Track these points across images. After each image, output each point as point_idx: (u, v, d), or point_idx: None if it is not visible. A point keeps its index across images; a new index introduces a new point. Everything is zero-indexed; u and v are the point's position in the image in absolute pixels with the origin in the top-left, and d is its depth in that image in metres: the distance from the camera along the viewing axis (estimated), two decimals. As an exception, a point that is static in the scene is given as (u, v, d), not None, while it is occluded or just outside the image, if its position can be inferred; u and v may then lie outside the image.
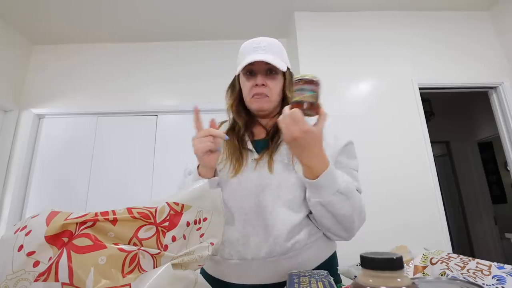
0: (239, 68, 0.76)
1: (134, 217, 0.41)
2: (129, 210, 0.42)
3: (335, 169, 0.65)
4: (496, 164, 3.76)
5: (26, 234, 0.40)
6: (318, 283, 0.47)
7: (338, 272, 0.69)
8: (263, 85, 0.76)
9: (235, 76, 0.85)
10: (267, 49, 0.77)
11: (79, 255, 0.36)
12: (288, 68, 0.80)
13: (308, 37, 2.40)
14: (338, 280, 0.74)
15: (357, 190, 0.72)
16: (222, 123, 0.88)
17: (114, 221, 0.40)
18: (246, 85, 0.78)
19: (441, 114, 3.73)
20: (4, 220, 2.29)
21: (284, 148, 0.75)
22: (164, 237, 0.42)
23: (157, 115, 2.61)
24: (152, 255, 0.40)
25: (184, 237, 0.44)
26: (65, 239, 0.38)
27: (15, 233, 0.41)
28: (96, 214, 0.40)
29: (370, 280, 0.27)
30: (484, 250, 3.75)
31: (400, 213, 2.00)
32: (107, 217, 0.40)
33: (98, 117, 2.58)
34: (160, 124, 2.58)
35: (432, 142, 2.18)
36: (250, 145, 0.78)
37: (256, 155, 0.76)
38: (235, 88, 0.84)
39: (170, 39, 2.74)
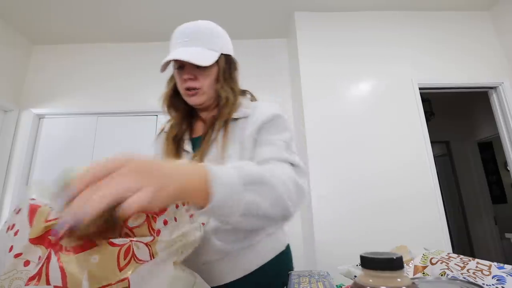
0: (164, 60, 0.70)
1: None
2: None
3: (219, 168, 0.42)
4: (496, 164, 3.76)
5: (15, 234, 0.39)
6: (318, 283, 0.47)
7: (339, 273, 0.69)
8: (191, 79, 0.70)
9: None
10: (192, 40, 0.69)
11: (70, 257, 0.35)
12: (223, 55, 0.73)
13: (308, 37, 2.40)
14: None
15: (288, 162, 0.59)
16: (162, 129, 0.83)
17: None
18: (177, 78, 0.73)
19: (441, 114, 3.74)
20: (4, 220, 2.29)
21: (216, 146, 0.68)
22: (156, 222, 0.41)
23: (157, 115, 2.61)
24: (145, 244, 0.39)
25: (175, 220, 0.44)
26: (52, 238, 0.37)
27: (6, 231, 0.41)
28: None
29: (370, 280, 0.27)
30: (484, 250, 3.75)
31: (400, 213, 2.00)
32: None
33: (98, 117, 2.58)
34: (160, 124, 2.58)
35: (432, 142, 2.18)
36: (187, 145, 0.73)
37: (191, 156, 0.71)
38: (172, 81, 0.79)
39: (169, 39, 2.74)
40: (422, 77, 2.32)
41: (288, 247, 0.79)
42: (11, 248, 0.38)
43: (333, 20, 2.45)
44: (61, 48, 2.75)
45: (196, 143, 0.73)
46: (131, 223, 0.39)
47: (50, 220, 0.38)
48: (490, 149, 3.83)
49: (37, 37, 2.67)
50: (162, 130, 0.83)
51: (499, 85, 2.34)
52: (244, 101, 0.76)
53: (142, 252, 0.38)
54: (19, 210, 0.41)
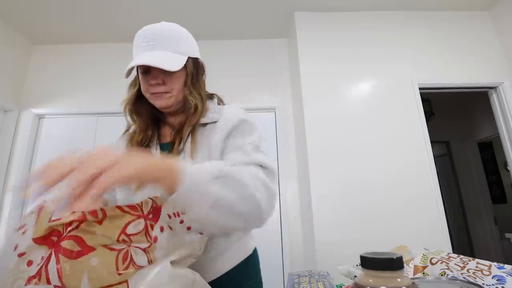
0: (129, 65, 0.66)
1: (123, 210, 0.40)
2: (118, 206, 0.41)
3: (194, 165, 0.47)
4: (496, 164, 3.76)
5: (23, 234, 0.40)
6: (318, 283, 0.47)
7: (339, 273, 0.69)
8: (158, 84, 0.67)
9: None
10: (157, 44, 0.65)
11: (70, 261, 0.35)
12: (191, 58, 0.71)
13: (308, 37, 2.40)
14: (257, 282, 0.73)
15: (258, 165, 0.59)
16: (127, 130, 0.77)
17: (101, 220, 0.39)
18: (142, 82, 0.69)
19: (441, 114, 3.74)
20: (4, 220, 2.29)
21: (187, 153, 0.65)
22: (153, 229, 0.41)
23: (157, 115, 2.61)
24: (143, 249, 0.39)
25: (171, 228, 0.44)
26: (54, 239, 0.37)
27: (17, 230, 0.41)
28: (83, 213, 0.39)
29: (370, 280, 0.27)
30: (484, 250, 3.75)
31: (400, 213, 1.99)
32: (95, 211, 0.39)
33: (98, 117, 2.58)
34: (160, 124, 2.58)
35: (432, 142, 2.18)
36: (154, 150, 0.70)
37: None
38: (135, 85, 0.73)
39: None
40: (422, 77, 2.32)
41: (255, 251, 0.78)
42: (16, 247, 0.38)
43: (333, 20, 2.45)
44: (61, 48, 2.75)
45: (164, 149, 0.71)
46: (129, 230, 0.39)
47: (53, 220, 0.39)
48: (490, 149, 3.82)
49: (37, 37, 2.67)
50: (127, 130, 0.77)
51: (499, 85, 2.34)
52: (211, 105, 0.74)
53: (140, 257, 0.38)
54: (31, 213, 0.42)
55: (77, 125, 2.56)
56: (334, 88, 2.28)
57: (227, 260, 0.68)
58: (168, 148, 0.70)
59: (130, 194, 0.64)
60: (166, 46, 0.66)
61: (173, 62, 0.65)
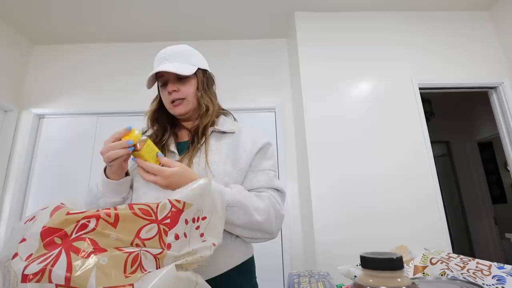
0: (149, 83, 0.82)
1: (135, 214, 0.41)
2: (130, 206, 0.42)
3: (219, 187, 0.67)
4: (496, 164, 3.76)
5: (32, 222, 0.40)
6: (318, 283, 0.47)
7: (339, 272, 0.69)
8: (175, 91, 0.80)
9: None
10: (171, 58, 0.80)
11: (82, 259, 0.36)
12: (201, 69, 0.85)
13: (308, 37, 2.40)
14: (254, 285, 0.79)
15: (275, 189, 0.78)
16: (143, 132, 0.89)
17: (115, 223, 0.40)
18: (163, 94, 0.84)
19: (441, 114, 3.73)
20: (4, 220, 2.29)
21: (203, 151, 0.77)
22: (167, 236, 0.42)
23: (157, 115, 2.61)
24: (154, 255, 0.40)
25: (185, 236, 0.44)
26: (59, 241, 0.38)
27: (25, 223, 0.41)
28: (97, 211, 0.40)
29: (370, 280, 0.27)
30: (484, 250, 3.75)
31: (400, 213, 1.99)
32: (108, 211, 0.40)
33: (98, 117, 2.58)
34: (160, 124, 2.58)
35: (432, 142, 2.18)
36: (173, 147, 0.81)
37: (177, 157, 0.79)
38: (157, 99, 0.89)
39: (170, 39, 2.74)
40: (422, 77, 2.32)
41: (252, 258, 0.83)
42: (23, 240, 0.38)
43: (333, 20, 2.45)
44: (61, 48, 2.75)
45: (182, 147, 0.81)
46: (143, 235, 0.40)
47: (72, 214, 0.40)
48: (490, 149, 3.82)
49: (37, 37, 2.67)
50: (144, 132, 0.89)
51: (499, 85, 2.34)
52: (228, 119, 0.88)
53: (149, 262, 0.39)
54: (46, 207, 0.42)
55: (77, 125, 2.56)
56: (334, 88, 2.28)
57: (230, 255, 0.73)
58: (186, 146, 0.80)
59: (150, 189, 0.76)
60: (178, 59, 0.80)
61: (184, 69, 0.79)
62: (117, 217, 0.40)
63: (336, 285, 0.58)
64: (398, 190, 2.04)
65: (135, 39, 2.73)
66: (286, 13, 2.48)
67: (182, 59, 0.81)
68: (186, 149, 0.79)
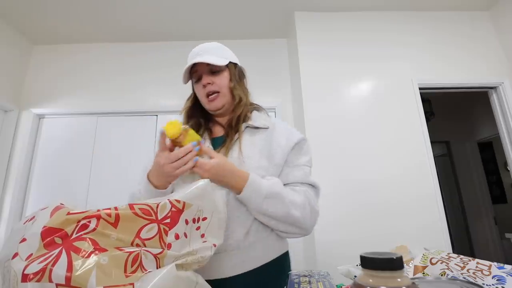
0: (184, 78, 0.85)
1: (136, 214, 0.41)
2: (131, 206, 0.42)
3: (257, 179, 0.70)
4: (496, 164, 3.76)
5: (32, 223, 0.40)
6: (318, 283, 0.47)
7: (339, 272, 0.69)
8: (209, 83, 0.82)
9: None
10: (203, 53, 0.82)
11: (80, 258, 0.36)
12: (232, 63, 0.86)
13: (308, 37, 2.40)
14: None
15: (311, 184, 0.79)
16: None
17: (116, 223, 0.40)
18: (198, 89, 0.86)
19: (441, 114, 3.73)
20: (4, 220, 2.29)
21: (237, 146, 0.79)
22: (167, 235, 0.42)
23: (157, 115, 2.61)
24: (154, 255, 0.40)
25: (186, 236, 0.44)
26: (59, 241, 0.38)
27: (24, 223, 0.41)
28: (98, 210, 0.40)
29: (370, 280, 0.27)
30: (484, 250, 3.75)
31: (400, 213, 1.99)
32: (109, 211, 0.40)
33: (98, 117, 2.58)
34: (160, 124, 2.58)
35: (432, 142, 2.18)
36: (208, 143, 0.83)
37: None
38: (191, 97, 0.92)
39: (169, 39, 2.74)
40: (422, 77, 2.32)
41: (287, 253, 0.84)
42: (23, 240, 0.38)
43: (333, 20, 2.45)
44: (61, 48, 2.75)
45: (217, 142, 0.83)
46: (143, 235, 0.40)
47: (72, 214, 0.40)
48: (490, 149, 3.82)
49: (37, 37, 2.67)
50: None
51: (499, 85, 2.34)
52: (261, 114, 0.88)
53: (149, 262, 0.39)
54: (46, 208, 0.42)
55: (77, 125, 2.56)
56: (334, 88, 2.28)
57: (265, 251, 0.75)
58: (221, 141, 0.82)
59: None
60: (210, 53, 0.82)
61: (216, 60, 0.81)
62: (117, 217, 0.40)
63: (336, 285, 0.58)
64: (398, 190, 2.04)
65: (134, 39, 2.73)
66: (286, 13, 2.48)
67: (213, 52, 0.83)
68: (222, 143, 0.81)
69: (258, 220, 0.74)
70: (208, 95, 0.82)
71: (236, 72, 0.87)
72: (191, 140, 0.67)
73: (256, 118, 0.84)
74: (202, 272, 0.67)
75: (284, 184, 0.77)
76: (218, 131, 0.88)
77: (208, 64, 0.81)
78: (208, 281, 0.63)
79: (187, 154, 0.66)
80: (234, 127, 0.82)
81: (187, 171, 0.67)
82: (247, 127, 0.82)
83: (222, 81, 0.83)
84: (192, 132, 0.69)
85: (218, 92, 0.82)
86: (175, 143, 0.67)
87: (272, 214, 0.70)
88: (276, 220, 0.71)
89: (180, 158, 0.66)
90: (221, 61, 0.81)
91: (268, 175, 0.75)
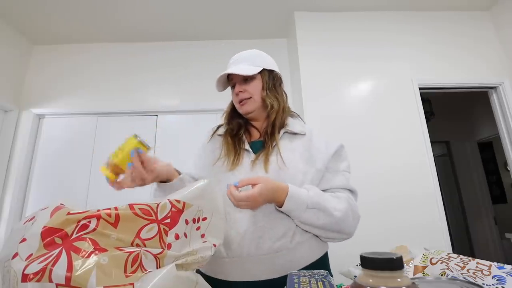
0: (218, 86, 0.89)
1: (136, 214, 0.41)
2: (131, 206, 0.42)
3: (297, 190, 0.71)
4: (496, 164, 3.76)
5: (31, 224, 0.40)
6: (318, 283, 0.47)
7: (339, 272, 0.69)
8: (241, 91, 0.85)
9: None
10: (238, 61, 0.87)
11: (80, 258, 0.36)
12: (267, 70, 0.88)
13: (308, 37, 2.40)
14: None
15: (349, 190, 0.82)
16: (218, 126, 0.97)
17: (116, 223, 0.40)
18: (233, 96, 0.90)
19: (441, 114, 3.73)
20: (4, 220, 2.29)
21: (277, 150, 0.81)
22: (167, 235, 0.42)
23: (157, 115, 2.61)
24: (154, 255, 0.40)
25: (186, 236, 0.44)
26: (59, 241, 0.38)
27: (24, 223, 0.41)
28: (98, 210, 0.40)
29: (370, 280, 0.27)
30: (484, 250, 3.75)
31: (400, 213, 1.99)
32: (109, 212, 0.40)
33: (98, 117, 2.58)
34: (160, 124, 2.58)
35: (432, 142, 2.18)
36: (247, 146, 0.85)
37: (252, 155, 0.82)
38: (231, 103, 0.96)
39: (169, 39, 2.74)
40: (422, 77, 2.32)
41: (327, 254, 0.86)
42: (23, 240, 0.38)
43: (333, 20, 2.45)
44: (61, 48, 2.75)
45: (256, 145, 0.86)
46: (143, 235, 0.40)
47: (72, 214, 0.40)
48: (490, 149, 3.82)
49: (37, 37, 2.67)
50: (215, 132, 0.95)
51: (499, 85, 2.34)
52: (297, 121, 0.92)
53: (149, 262, 0.39)
54: (46, 208, 0.42)
55: (77, 125, 2.56)
56: (334, 88, 2.28)
57: (299, 257, 0.75)
58: (259, 145, 0.85)
59: (224, 170, 0.83)
60: (243, 62, 0.87)
61: (248, 70, 0.84)
62: (117, 217, 0.40)
63: (336, 285, 0.58)
64: (398, 190, 2.04)
65: (134, 39, 2.73)
66: (286, 13, 2.48)
67: (247, 61, 0.86)
68: (261, 147, 0.84)
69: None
70: (240, 101, 0.86)
71: (270, 79, 0.89)
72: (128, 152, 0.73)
73: (293, 124, 0.87)
74: (239, 274, 0.72)
75: (327, 190, 0.80)
76: (256, 135, 0.91)
77: (241, 75, 0.84)
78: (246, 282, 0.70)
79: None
80: (270, 133, 0.84)
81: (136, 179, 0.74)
82: (285, 132, 0.85)
83: (254, 89, 0.86)
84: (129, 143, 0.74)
85: (249, 98, 0.85)
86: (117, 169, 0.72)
87: (315, 223, 0.72)
88: (319, 228, 0.73)
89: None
90: (252, 70, 0.84)
91: (308, 180, 0.77)
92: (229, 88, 0.92)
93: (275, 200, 0.70)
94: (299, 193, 0.71)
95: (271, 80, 0.89)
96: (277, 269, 0.71)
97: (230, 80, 0.88)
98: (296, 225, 0.75)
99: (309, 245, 0.77)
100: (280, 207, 0.70)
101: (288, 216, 0.73)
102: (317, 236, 0.79)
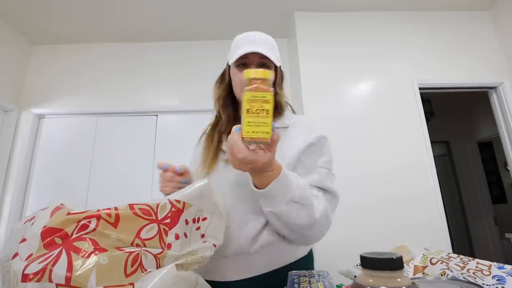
0: (232, 59, 0.74)
1: (136, 214, 0.41)
2: (131, 206, 0.42)
3: (289, 174, 0.59)
4: (496, 164, 3.76)
5: (31, 224, 0.40)
6: (318, 283, 0.47)
7: (339, 272, 0.69)
8: None
9: (225, 68, 0.84)
10: (261, 44, 0.74)
11: (80, 258, 0.36)
12: (279, 66, 0.79)
13: (308, 37, 2.40)
14: None
15: (327, 190, 0.69)
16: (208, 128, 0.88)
17: (116, 223, 0.40)
18: (238, 77, 0.76)
19: (441, 114, 3.73)
20: (4, 220, 2.29)
21: None
22: (167, 235, 0.42)
23: (157, 115, 2.61)
24: (154, 255, 0.40)
25: (186, 236, 0.44)
26: (59, 241, 0.38)
27: (24, 223, 0.41)
28: (98, 210, 0.40)
29: (370, 280, 0.27)
30: (484, 250, 3.75)
31: (400, 213, 1.99)
32: (109, 212, 0.40)
33: (98, 117, 2.58)
34: (160, 124, 2.58)
35: (432, 142, 2.18)
36: (224, 145, 0.77)
37: (226, 155, 0.73)
38: (224, 80, 0.82)
39: (170, 39, 2.74)
40: (422, 77, 2.32)
41: (310, 252, 0.79)
42: (23, 240, 0.38)
43: (333, 20, 2.45)
44: (61, 48, 2.75)
45: None
46: (143, 235, 0.40)
47: (72, 214, 0.40)
48: (490, 149, 3.82)
49: (37, 37, 2.67)
50: (205, 132, 0.86)
51: (499, 85, 2.34)
52: (286, 112, 0.82)
53: (149, 262, 0.39)
54: (46, 208, 0.42)
55: (77, 125, 2.56)
56: (334, 88, 2.28)
57: (277, 257, 0.69)
58: None
59: (199, 176, 0.74)
60: (268, 47, 0.74)
61: (275, 59, 0.74)
62: (117, 217, 0.40)
63: (336, 285, 0.58)
64: (398, 190, 2.04)
65: (135, 39, 2.73)
66: (286, 13, 2.48)
67: (271, 48, 0.75)
68: None
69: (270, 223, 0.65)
70: None
71: (281, 75, 0.81)
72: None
73: (278, 119, 0.78)
74: (220, 274, 0.67)
75: None
76: None
77: (260, 57, 0.73)
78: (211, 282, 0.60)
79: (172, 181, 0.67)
80: None
81: (169, 192, 0.65)
82: None
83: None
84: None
85: None
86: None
87: (291, 221, 0.60)
88: (291, 229, 0.62)
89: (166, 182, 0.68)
90: (277, 62, 0.75)
91: None
92: None
93: (263, 175, 0.55)
94: (290, 180, 0.58)
95: (280, 76, 0.81)
96: (254, 268, 0.68)
97: (242, 58, 0.74)
98: (268, 225, 0.66)
99: (286, 245, 0.70)
100: (261, 187, 0.57)
101: (261, 206, 0.61)
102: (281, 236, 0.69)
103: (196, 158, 0.82)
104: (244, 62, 0.74)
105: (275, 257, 0.69)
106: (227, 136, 0.66)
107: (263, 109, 0.46)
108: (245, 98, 0.47)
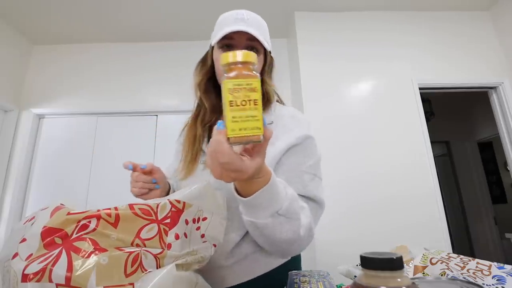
0: (214, 39, 0.65)
1: (136, 214, 0.41)
2: (131, 206, 0.42)
3: (277, 182, 0.49)
4: (496, 164, 3.76)
5: (31, 224, 0.40)
6: (318, 283, 0.47)
7: (339, 272, 0.69)
8: None
9: (208, 50, 0.73)
10: (250, 23, 0.64)
11: (80, 258, 0.36)
12: (269, 52, 0.69)
13: (308, 37, 2.40)
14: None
15: (311, 198, 0.62)
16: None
17: (116, 223, 0.40)
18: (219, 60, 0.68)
19: (441, 114, 3.73)
20: (4, 220, 2.29)
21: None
22: (167, 235, 0.42)
23: (157, 115, 2.61)
24: (154, 255, 0.40)
25: (186, 236, 0.45)
26: (59, 241, 0.38)
27: (24, 223, 0.42)
28: (98, 210, 0.40)
29: (370, 280, 0.27)
30: (484, 250, 3.75)
31: (400, 213, 1.99)
32: (109, 212, 0.40)
33: (98, 117, 2.58)
34: (160, 124, 2.58)
35: (432, 142, 2.18)
36: (204, 145, 0.69)
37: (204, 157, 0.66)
38: (206, 63, 0.72)
39: (170, 39, 2.74)
40: (422, 77, 2.32)
41: (296, 257, 0.76)
42: (23, 240, 0.39)
43: (334, 20, 2.45)
44: (61, 48, 2.75)
45: None
46: (143, 235, 0.40)
47: (72, 214, 0.40)
48: (490, 149, 3.82)
49: (37, 37, 2.67)
50: (186, 125, 0.78)
51: (499, 85, 2.34)
52: (272, 105, 0.73)
53: (149, 262, 0.39)
54: (46, 208, 0.43)
55: (77, 125, 2.56)
56: (334, 88, 2.28)
57: (259, 265, 0.65)
58: None
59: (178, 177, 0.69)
60: (257, 28, 0.64)
61: (265, 42, 0.64)
62: (117, 217, 0.40)
63: (336, 285, 0.58)
64: (398, 190, 2.04)
65: (135, 39, 2.73)
66: (286, 13, 2.48)
67: (260, 28, 0.65)
68: None
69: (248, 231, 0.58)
70: None
71: (270, 63, 0.71)
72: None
73: (264, 113, 0.71)
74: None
75: None
76: None
77: (248, 38, 0.62)
78: None
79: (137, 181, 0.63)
80: None
81: (138, 194, 0.63)
82: None
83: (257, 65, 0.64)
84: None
85: None
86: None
87: (272, 236, 0.52)
88: (271, 243, 0.55)
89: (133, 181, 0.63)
90: (267, 45, 0.64)
91: None
92: None
93: (249, 181, 0.45)
94: (278, 189, 0.49)
95: (269, 63, 0.71)
96: (235, 276, 0.63)
97: (226, 39, 0.64)
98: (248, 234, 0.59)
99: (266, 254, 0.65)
100: (244, 195, 0.48)
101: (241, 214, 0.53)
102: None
103: (177, 154, 0.75)
104: (229, 43, 0.64)
105: (252, 268, 0.64)
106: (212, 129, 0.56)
107: (249, 99, 0.37)
108: (226, 87, 0.37)
